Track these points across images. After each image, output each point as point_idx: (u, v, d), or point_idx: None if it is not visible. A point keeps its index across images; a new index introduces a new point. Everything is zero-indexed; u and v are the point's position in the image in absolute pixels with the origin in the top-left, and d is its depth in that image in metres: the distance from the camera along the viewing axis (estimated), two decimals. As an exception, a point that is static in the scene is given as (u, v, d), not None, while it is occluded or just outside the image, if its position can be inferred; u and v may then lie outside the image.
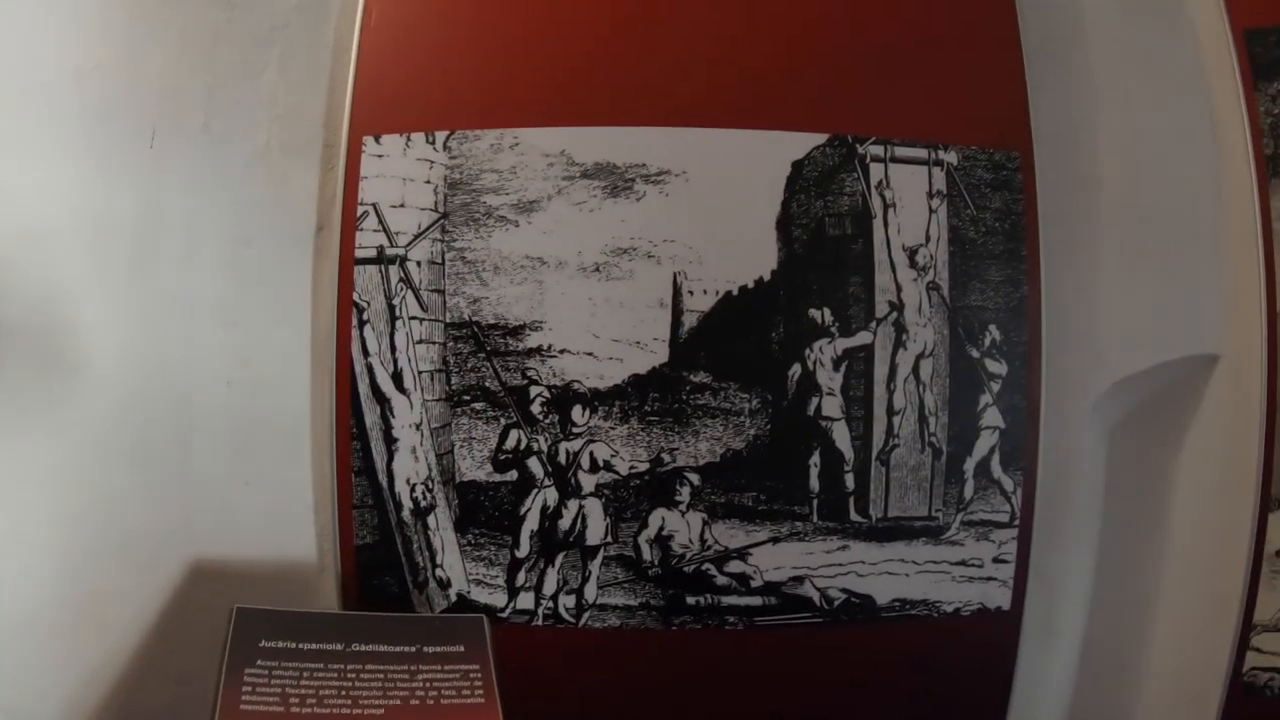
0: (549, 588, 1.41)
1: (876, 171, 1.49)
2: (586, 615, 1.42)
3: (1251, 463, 1.64)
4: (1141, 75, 1.69)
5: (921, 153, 1.51)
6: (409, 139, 1.39)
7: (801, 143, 1.46)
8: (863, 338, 1.49)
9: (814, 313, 1.48)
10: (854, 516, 1.49)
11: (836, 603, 1.48)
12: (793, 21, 1.47)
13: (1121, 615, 1.74)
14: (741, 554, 1.45)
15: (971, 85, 1.53)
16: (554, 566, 1.41)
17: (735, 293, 1.44)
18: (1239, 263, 1.67)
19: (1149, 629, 1.75)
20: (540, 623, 1.42)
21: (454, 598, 1.41)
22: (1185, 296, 1.67)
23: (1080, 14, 1.66)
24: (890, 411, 1.49)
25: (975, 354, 1.50)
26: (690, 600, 1.44)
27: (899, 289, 1.49)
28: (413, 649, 1.18)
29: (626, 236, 1.40)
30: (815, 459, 1.48)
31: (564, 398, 1.39)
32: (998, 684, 1.55)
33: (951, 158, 1.52)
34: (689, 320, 1.41)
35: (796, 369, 1.48)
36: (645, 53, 1.43)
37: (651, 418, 1.40)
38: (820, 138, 1.47)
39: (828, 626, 1.47)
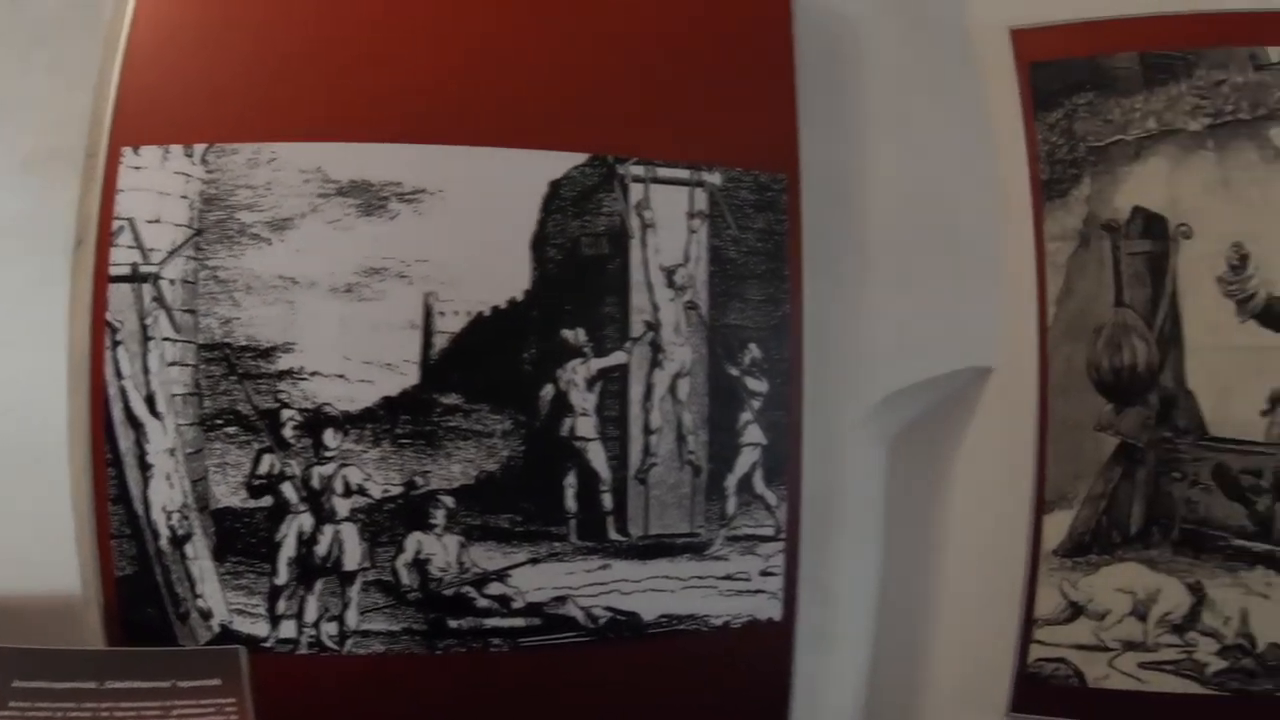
0: (310, 615, 1.41)
1: (637, 192, 1.50)
2: (350, 642, 1.42)
3: (1026, 468, 1.73)
4: (926, 103, 1.76)
5: (684, 174, 1.52)
6: (167, 151, 1.36)
7: (560, 162, 1.47)
8: (617, 357, 1.50)
9: (567, 333, 1.48)
10: (613, 535, 1.50)
11: (602, 621, 1.49)
12: (553, 42, 1.48)
13: (909, 617, 1.83)
14: (501, 576, 1.45)
15: (739, 108, 1.55)
16: (313, 593, 1.40)
17: (487, 313, 1.44)
18: (1013, 281, 1.75)
19: (936, 628, 1.85)
20: (304, 651, 1.40)
21: (217, 628, 1.39)
22: (959, 313, 1.74)
23: (863, 43, 1.73)
24: (647, 430, 1.50)
25: (735, 372, 1.53)
26: (452, 624, 1.44)
27: (656, 309, 1.51)
28: (168, 684, 1.17)
29: (379, 256, 1.40)
30: (571, 479, 1.48)
31: (316, 421, 1.38)
32: (775, 694, 1.59)
33: (715, 179, 1.54)
34: (440, 341, 1.42)
35: (549, 390, 1.47)
36: (403, 69, 1.43)
37: (404, 440, 1.40)
38: (580, 157, 1.48)
39: (594, 645, 1.48)
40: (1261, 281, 1.68)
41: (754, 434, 1.55)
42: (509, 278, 1.42)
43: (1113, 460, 1.70)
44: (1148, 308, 1.67)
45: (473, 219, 1.42)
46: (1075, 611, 1.70)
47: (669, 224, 1.50)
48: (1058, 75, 1.77)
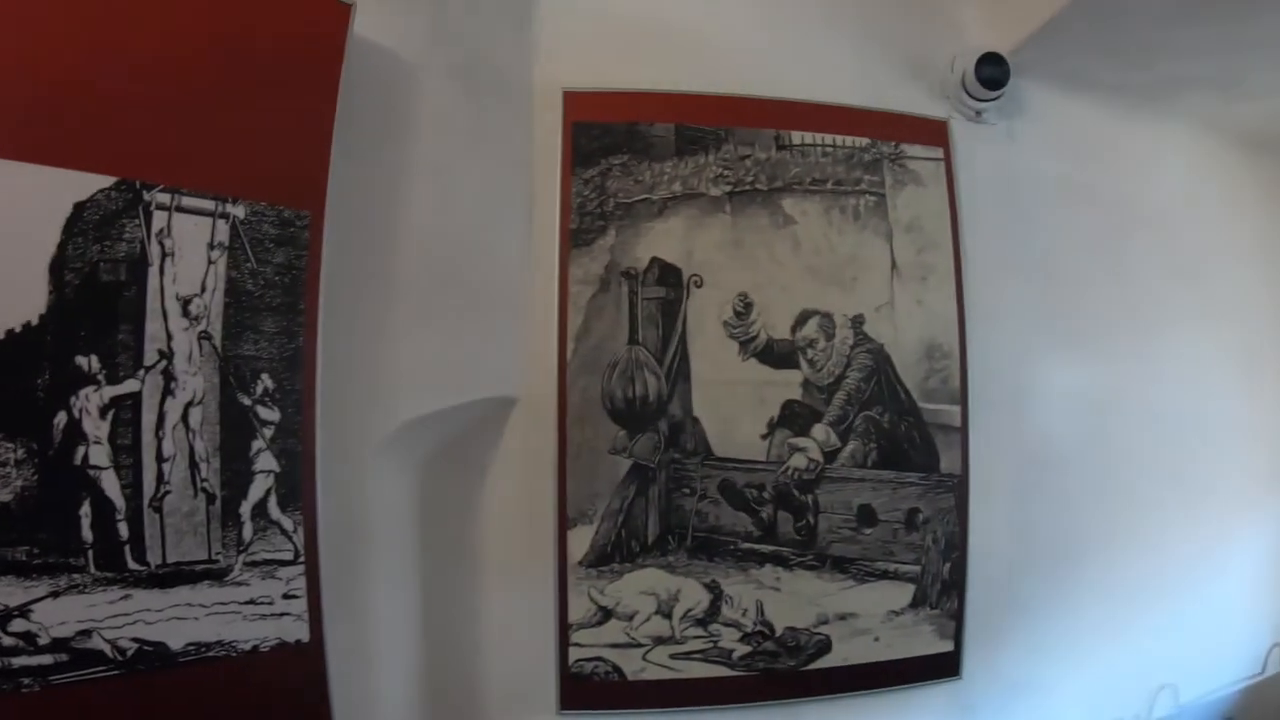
0: None
1: (160, 219, 1.52)
2: None
3: (549, 488, 1.92)
4: (473, 152, 1.92)
5: (209, 204, 1.56)
6: None
7: (86, 184, 1.44)
8: (130, 385, 1.51)
9: (81, 360, 1.46)
10: (132, 564, 1.49)
11: (129, 653, 1.46)
12: (86, 60, 1.45)
13: (455, 630, 1.96)
14: (23, 611, 1.38)
15: (273, 144, 1.61)
16: None
17: (0, 337, 1.37)
18: (538, 319, 1.95)
19: (484, 638, 1.99)
20: None
21: None
22: (485, 347, 1.90)
23: (418, 90, 1.84)
24: (160, 459, 1.52)
25: (247, 401, 1.59)
26: (-21, 666, 1.34)
27: (170, 337, 1.53)
28: None
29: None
30: (86, 509, 1.46)
31: None
32: (316, 714, 1.63)
33: (239, 211, 1.59)
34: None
35: (62, 417, 1.45)
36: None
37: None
38: (107, 180, 1.46)
39: (125, 678, 1.45)
40: (763, 326, 2.01)
41: (267, 461, 1.61)
42: (25, 301, 1.36)
43: (627, 479, 1.93)
44: (659, 346, 1.89)
45: (-8, 236, 1.33)
46: (606, 615, 1.90)
47: (189, 253, 1.54)
48: (599, 136, 2.02)
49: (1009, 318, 2.26)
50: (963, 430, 2.10)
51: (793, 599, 2.01)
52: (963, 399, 2.11)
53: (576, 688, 1.96)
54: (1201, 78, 2.33)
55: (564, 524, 1.92)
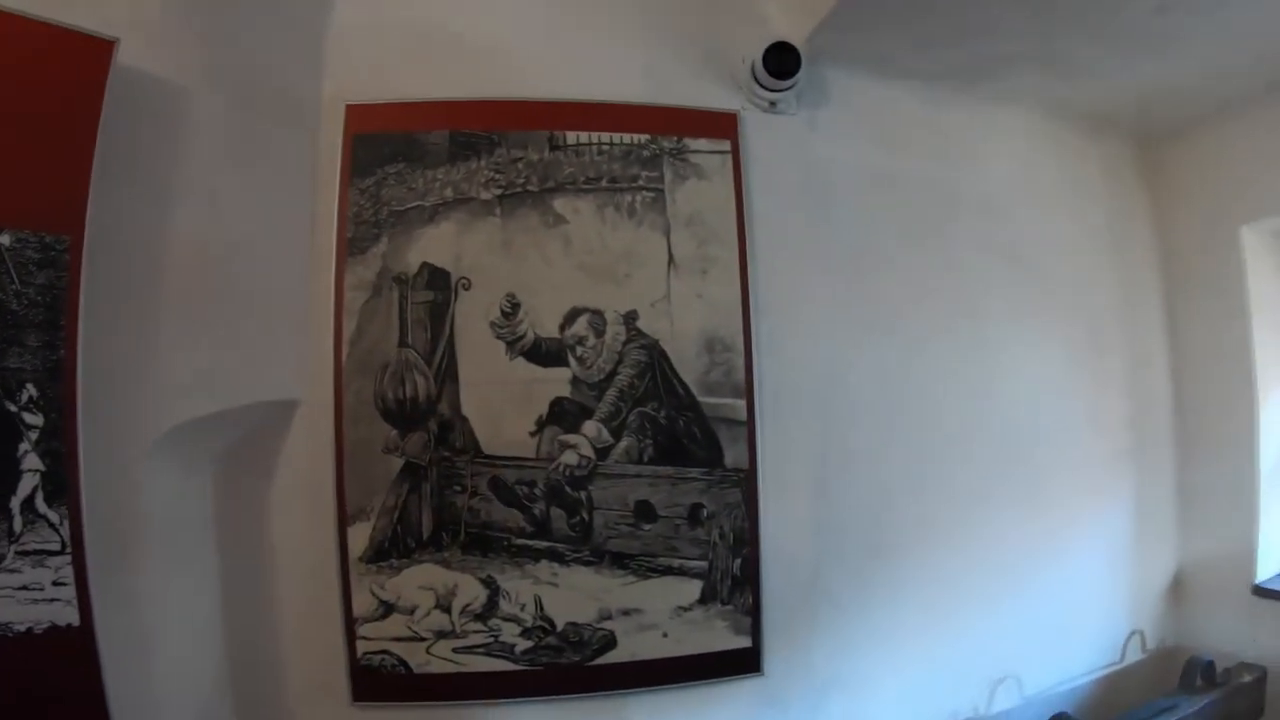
0: None
1: None
2: None
3: (329, 487, 2.03)
4: (249, 169, 2.04)
5: None
6: None
7: None
8: None
9: None
10: None
11: None
12: None
13: (254, 623, 2.10)
14: None
15: (34, 176, 1.78)
16: None
17: None
18: (316, 325, 2.06)
19: (279, 631, 2.11)
20: None
21: None
22: (262, 353, 2.02)
23: (188, 113, 1.96)
24: None
25: (13, 408, 1.78)
26: None
27: None
28: None
29: None
30: None
31: None
32: (90, 695, 1.77)
33: (5, 240, 1.76)
34: None
35: None
36: None
37: None
38: None
39: None
40: (531, 325, 2.07)
41: (33, 461, 1.77)
42: None
43: (400, 477, 2.03)
44: (428, 348, 1.99)
45: None
46: (388, 609, 2.00)
47: (-41, 281, 1.70)
48: (375, 146, 2.14)
49: (808, 308, 2.27)
50: (749, 424, 2.10)
51: (572, 594, 2.06)
52: (748, 392, 2.10)
53: (366, 680, 2.07)
54: (1020, 56, 2.28)
55: (344, 521, 2.04)
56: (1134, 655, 2.91)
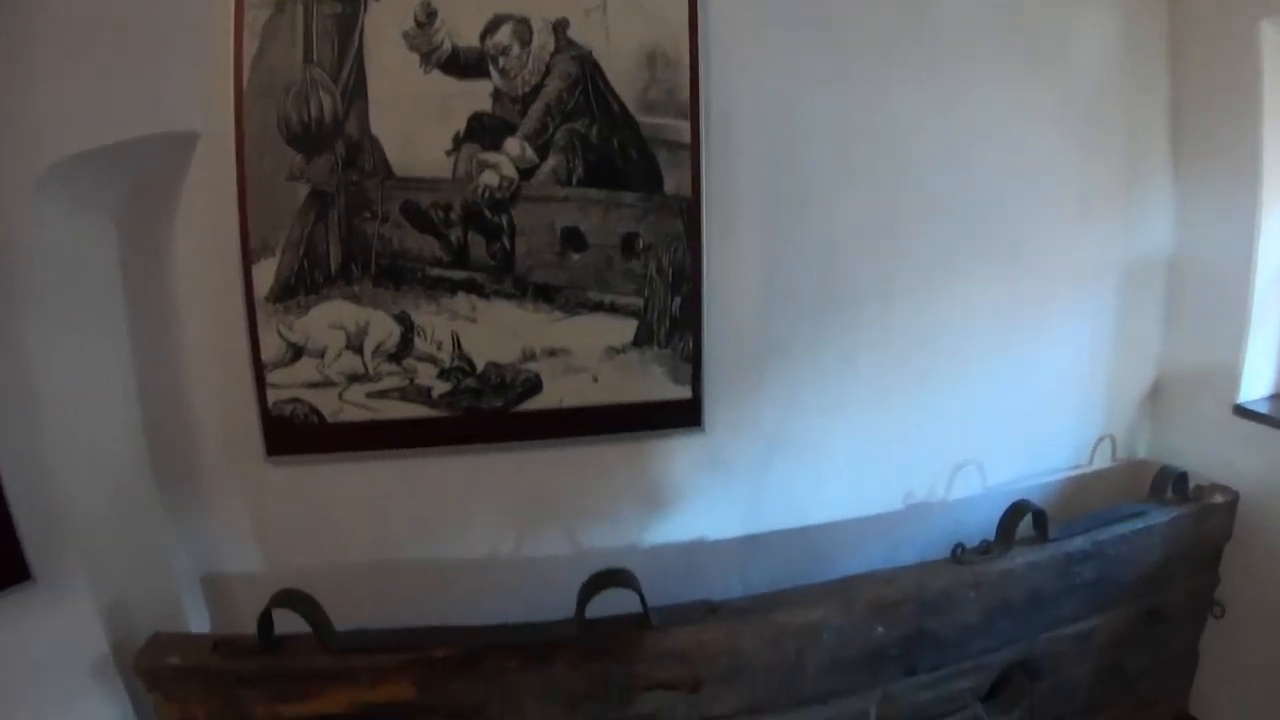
0: None
1: None
2: None
3: (232, 222, 1.90)
4: None
5: None
6: None
7: None
8: None
9: None
10: None
11: None
12: None
13: (160, 378, 1.98)
14: None
15: None
16: None
17: None
18: (214, 46, 1.91)
19: (190, 383, 1.99)
20: None
21: None
22: (156, 81, 1.86)
23: None
24: None
25: None
26: None
27: None
28: None
29: None
30: None
31: None
32: None
33: None
34: None
35: None
36: None
37: None
38: None
39: None
40: (448, 34, 1.91)
41: None
42: None
43: (306, 206, 1.90)
44: (335, 64, 1.82)
45: None
46: (296, 352, 1.85)
47: None
48: None
49: (771, 34, 2.01)
50: (693, 147, 1.88)
51: (493, 331, 1.88)
52: (693, 114, 1.88)
53: (280, 432, 1.94)
54: None
55: (249, 258, 1.90)
56: (1103, 461, 2.72)
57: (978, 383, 2.39)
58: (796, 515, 2.19)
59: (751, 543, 2.13)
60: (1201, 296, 2.63)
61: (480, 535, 2.02)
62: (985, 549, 2.10)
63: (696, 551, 2.06)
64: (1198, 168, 2.58)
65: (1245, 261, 2.48)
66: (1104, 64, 2.44)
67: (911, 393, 2.29)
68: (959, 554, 2.06)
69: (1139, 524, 2.30)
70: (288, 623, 1.72)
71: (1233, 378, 2.54)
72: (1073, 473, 2.67)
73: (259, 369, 1.92)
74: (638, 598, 1.76)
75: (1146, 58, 2.54)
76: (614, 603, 1.76)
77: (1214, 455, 2.61)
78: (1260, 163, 2.42)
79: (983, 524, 2.18)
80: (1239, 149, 2.45)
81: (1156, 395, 2.80)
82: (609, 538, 2.01)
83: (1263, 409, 2.53)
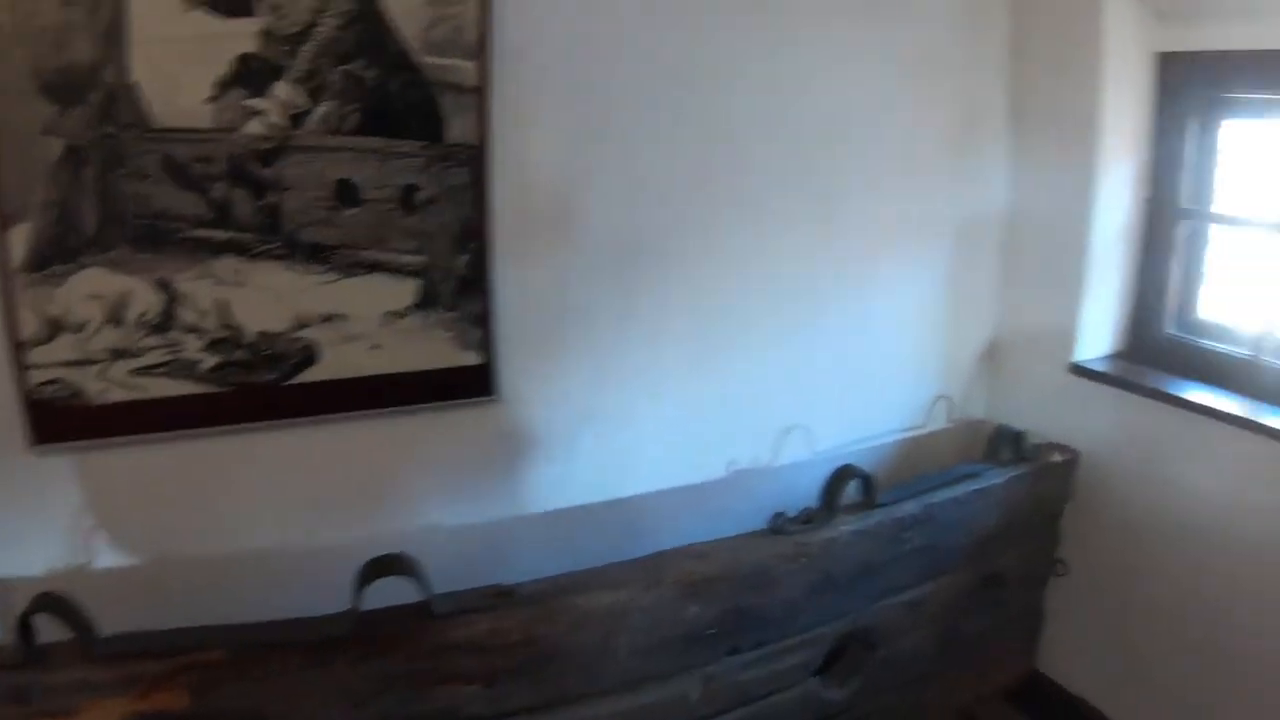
0: None
1: None
2: None
3: None
4: None
5: None
6: None
7: None
8: None
9: None
10: None
11: None
12: None
13: None
14: None
15: None
16: None
17: None
18: None
19: None
20: None
21: None
22: None
23: None
24: None
25: None
26: None
27: None
28: None
29: None
30: None
31: None
32: None
33: None
34: None
35: None
36: None
37: None
38: None
39: None
40: None
41: None
42: None
43: (60, 164, 1.72)
44: (93, 3, 1.62)
45: None
46: (55, 328, 1.68)
47: None
48: None
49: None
50: (480, 91, 1.68)
51: (261, 296, 1.73)
52: (480, 52, 1.67)
53: (44, 417, 1.76)
54: None
55: (2, 223, 1.67)
56: (939, 422, 2.68)
57: (803, 343, 2.30)
58: (608, 488, 2.07)
59: (560, 519, 2.01)
60: (1038, 256, 2.63)
61: (264, 524, 1.87)
62: (807, 518, 1.99)
63: (499, 531, 1.91)
64: (1036, 126, 2.58)
65: (1082, 221, 2.48)
66: (943, 15, 2.35)
67: (732, 355, 2.19)
68: (778, 524, 1.90)
69: (973, 486, 2.24)
70: (54, 630, 1.55)
71: (1069, 337, 2.55)
72: (908, 435, 2.61)
73: (17, 348, 1.73)
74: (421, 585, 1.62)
75: (986, 10, 2.48)
76: (407, 591, 1.63)
77: (1052, 415, 2.62)
78: (1099, 122, 2.41)
79: (812, 491, 2.07)
80: (1078, 108, 2.44)
81: (994, 355, 2.78)
82: (403, 520, 1.86)
83: (1101, 368, 2.54)
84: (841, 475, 2.04)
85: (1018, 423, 2.59)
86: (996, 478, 2.33)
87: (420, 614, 1.65)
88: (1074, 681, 2.73)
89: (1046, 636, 2.78)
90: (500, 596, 1.69)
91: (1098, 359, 2.64)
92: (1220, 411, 2.25)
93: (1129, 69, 2.48)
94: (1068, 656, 2.75)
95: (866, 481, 2.07)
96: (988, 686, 2.64)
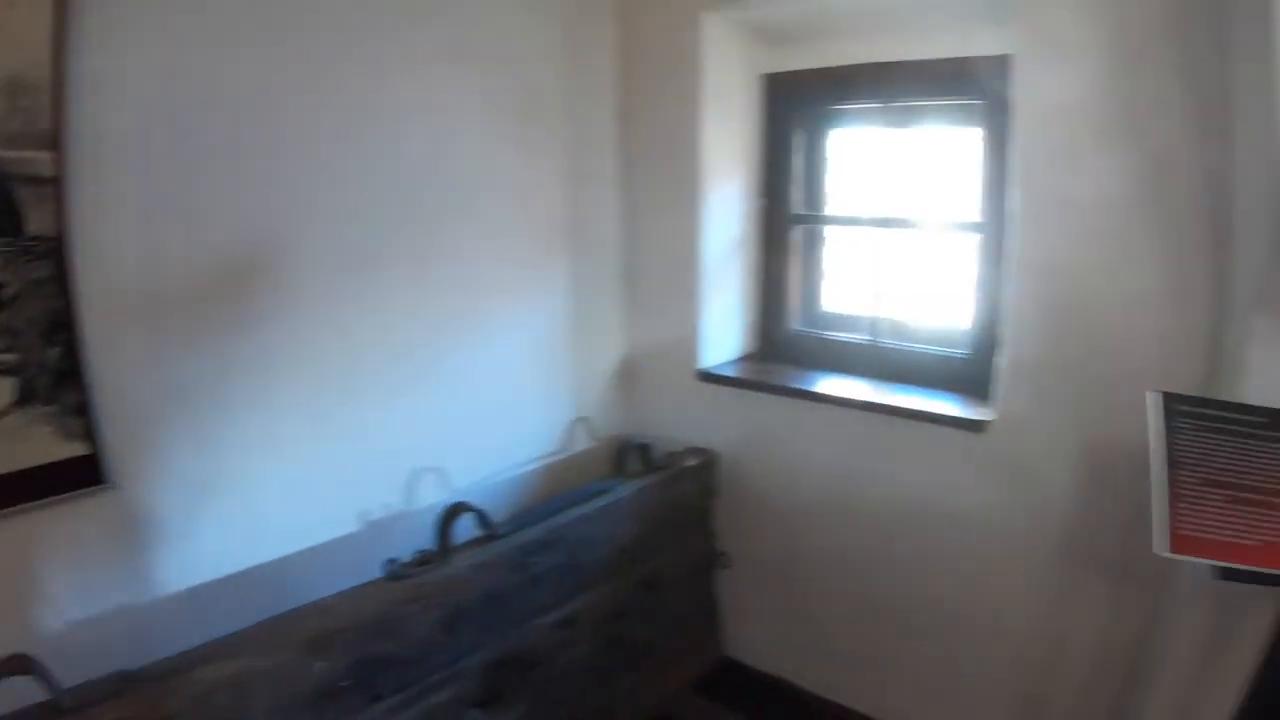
0: None
1: None
2: None
3: None
4: None
5: None
6: None
7: None
8: None
9: None
10: None
11: None
12: None
13: None
14: None
15: None
16: None
17: None
18: None
19: None
20: None
21: None
22: None
23: None
24: None
25: None
26: None
27: None
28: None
29: None
30: None
31: None
32: None
33: None
34: None
35: None
36: None
37: None
38: None
39: None
40: None
41: None
42: None
43: None
44: None
45: None
46: None
47: None
48: None
49: (152, 45, 1.86)
50: (57, 181, 1.63)
51: None
52: (56, 142, 1.63)
53: None
54: None
55: None
56: (582, 443, 2.91)
57: (429, 389, 2.41)
58: (238, 559, 2.08)
59: (194, 597, 2.00)
60: (658, 273, 2.88)
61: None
62: (424, 559, 2.04)
63: (133, 616, 1.89)
64: (645, 151, 2.81)
65: (692, 236, 2.75)
66: (544, 55, 2.51)
67: (356, 408, 2.26)
68: (394, 569, 1.98)
69: (601, 502, 2.40)
70: None
71: (693, 346, 2.82)
72: (549, 460, 2.77)
73: None
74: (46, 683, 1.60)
75: (589, 48, 2.66)
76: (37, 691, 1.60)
77: (689, 421, 2.90)
78: (701, 142, 2.67)
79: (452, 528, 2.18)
80: (681, 132, 2.68)
81: (627, 372, 3.02)
82: (30, 618, 1.80)
83: (727, 371, 2.84)
84: (452, 512, 2.17)
85: (658, 433, 2.87)
86: (624, 490, 2.52)
87: (48, 712, 1.64)
88: (764, 660, 3.03)
89: (730, 624, 3.04)
90: (125, 681, 1.72)
91: (726, 363, 2.96)
92: (823, 395, 2.62)
93: (735, 91, 2.78)
94: (753, 638, 3.03)
95: (481, 515, 2.20)
96: (673, 683, 2.82)
